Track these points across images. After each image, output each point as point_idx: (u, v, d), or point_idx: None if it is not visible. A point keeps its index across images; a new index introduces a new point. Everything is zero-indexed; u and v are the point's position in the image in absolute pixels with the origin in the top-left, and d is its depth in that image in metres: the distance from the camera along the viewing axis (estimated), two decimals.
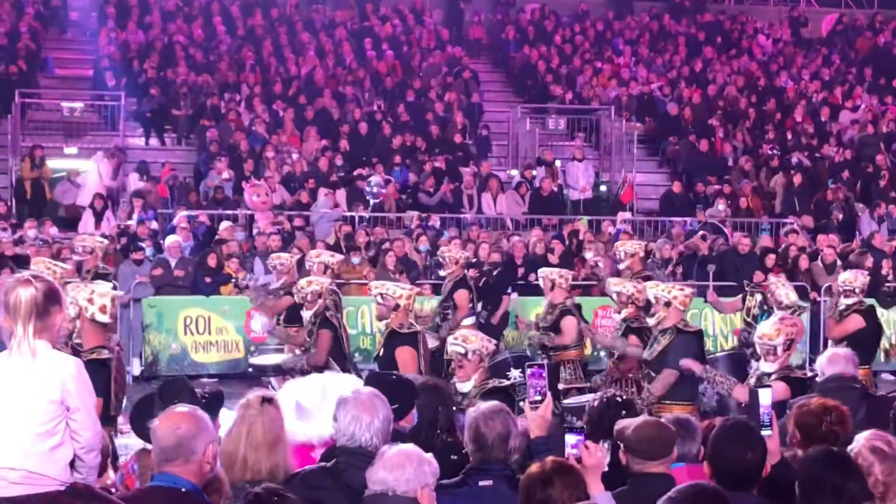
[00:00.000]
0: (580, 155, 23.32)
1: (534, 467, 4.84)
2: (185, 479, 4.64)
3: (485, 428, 5.30)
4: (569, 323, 12.03)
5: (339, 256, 12.79)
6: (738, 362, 11.91)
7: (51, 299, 4.76)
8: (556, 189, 22.44)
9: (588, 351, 14.03)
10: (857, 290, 11.49)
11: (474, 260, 15.90)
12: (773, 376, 8.31)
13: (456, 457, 5.71)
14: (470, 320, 13.62)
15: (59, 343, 4.90)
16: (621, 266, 13.71)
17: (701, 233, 18.95)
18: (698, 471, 5.90)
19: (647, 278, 12.75)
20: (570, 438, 5.26)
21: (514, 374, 10.90)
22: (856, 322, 11.33)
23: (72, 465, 4.77)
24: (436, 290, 15.94)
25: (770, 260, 17.12)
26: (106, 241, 15.17)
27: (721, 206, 21.69)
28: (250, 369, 13.78)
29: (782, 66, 28.68)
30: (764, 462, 5.26)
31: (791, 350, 8.62)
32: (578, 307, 12.52)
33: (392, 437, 5.14)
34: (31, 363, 4.67)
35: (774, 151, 24.14)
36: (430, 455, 4.84)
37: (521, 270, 17.29)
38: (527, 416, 5.54)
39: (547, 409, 5.61)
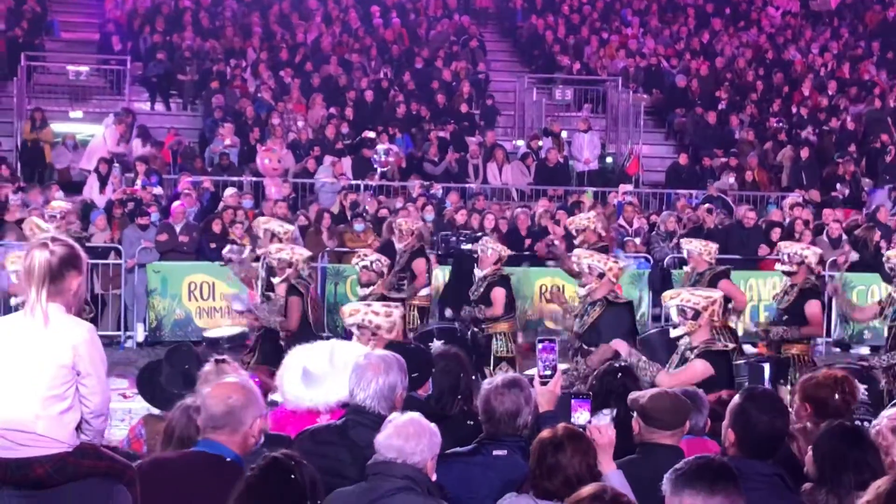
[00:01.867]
0: (584, 126, 23.25)
1: (545, 433, 4.86)
2: (230, 448, 4.67)
3: (495, 401, 5.30)
4: (498, 293, 11.98)
5: (289, 227, 12.71)
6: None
7: (67, 264, 4.74)
8: (562, 160, 22.39)
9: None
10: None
11: (480, 234, 15.84)
12: (696, 352, 8.07)
13: (472, 422, 5.73)
14: (426, 291, 13.62)
15: (76, 307, 4.89)
16: (576, 241, 13.67)
17: (707, 206, 18.91)
18: (699, 444, 5.93)
19: (604, 249, 12.70)
20: (576, 405, 5.27)
21: (437, 345, 10.89)
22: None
23: (78, 427, 4.78)
24: (440, 259, 15.98)
25: (776, 234, 17.11)
26: (70, 205, 15.18)
27: (731, 178, 21.64)
28: (203, 342, 13.84)
29: (790, 39, 28.57)
30: (788, 429, 5.27)
31: (703, 322, 8.22)
32: (507, 278, 12.39)
33: (409, 406, 5.14)
34: (43, 327, 4.66)
35: (781, 125, 24.07)
36: (434, 426, 4.86)
37: (527, 242, 17.29)
38: (536, 391, 5.53)
39: (556, 384, 5.60)
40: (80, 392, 4.73)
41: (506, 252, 12.40)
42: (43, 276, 4.69)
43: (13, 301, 9.01)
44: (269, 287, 11.69)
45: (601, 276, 9.95)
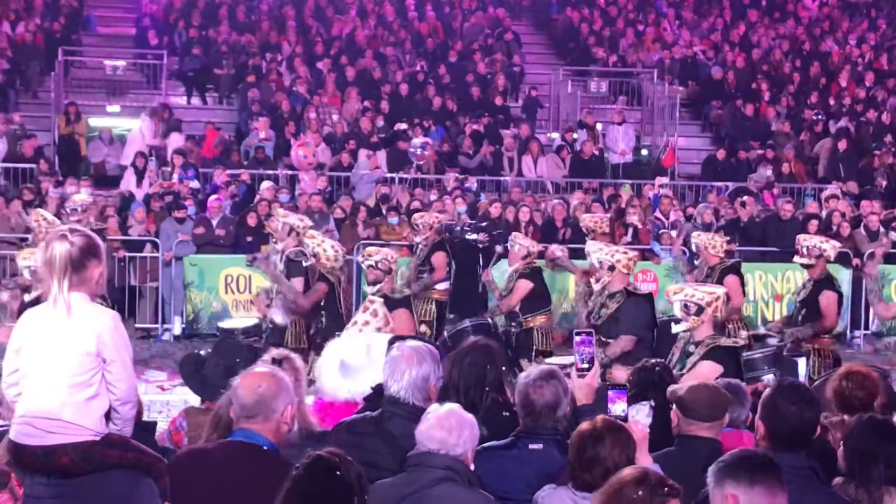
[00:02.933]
0: (619, 118, 23.19)
1: (584, 425, 4.85)
2: (264, 436, 4.70)
3: (534, 395, 5.30)
4: (522, 285, 11.87)
5: (308, 221, 12.65)
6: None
7: (87, 253, 4.79)
8: (597, 153, 22.34)
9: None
10: None
11: (485, 224, 15.79)
12: (702, 349, 8.02)
13: (507, 413, 5.74)
14: (445, 285, 13.57)
15: (97, 295, 4.94)
16: (588, 239, 13.62)
17: (741, 199, 18.78)
18: (736, 437, 5.91)
19: None
20: (613, 396, 5.26)
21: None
22: None
23: (107, 417, 4.83)
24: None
25: (812, 226, 16.99)
26: (92, 199, 15.20)
27: (769, 171, 21.51)
28: (217, 333, 13.89)
29: (827, 31, 28.37)
30: (819, 421, 5.25)
31: (707, 318, 8.17)
32: (539, 271, 12.27)
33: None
34: (66, 317, 4.72)
35: (819, 117, 23.91)
36: (472, 417, 4.86)
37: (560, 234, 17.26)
38: (573, 384, 5.52)
39: (594, 377, 5.59)
40: (106, 379, 4.78)
41: (535, 247, 12.27)
42: (64, 266, 4.74)
43: (26, 297, 9.10)
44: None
45: (612, 268, 9.90)
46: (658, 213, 18.53)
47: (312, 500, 3.96)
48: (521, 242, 12.27)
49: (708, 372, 7.69)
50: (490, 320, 11.97)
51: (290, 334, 11.25)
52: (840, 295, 11.12)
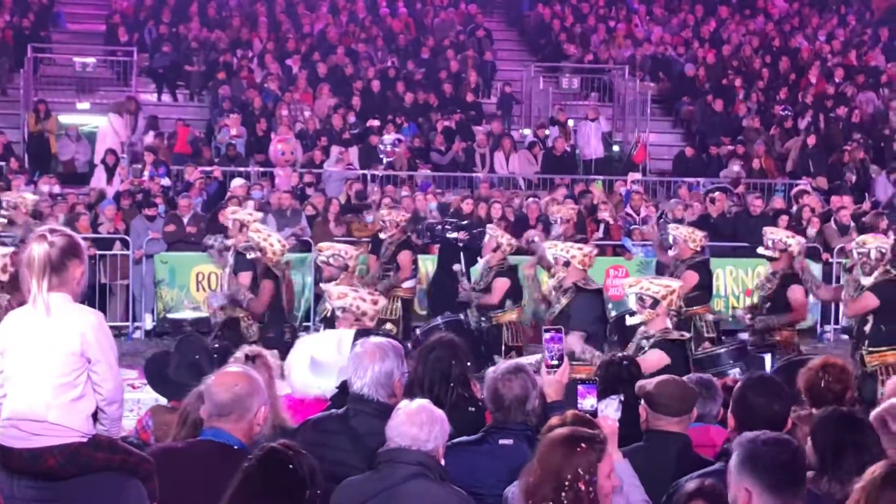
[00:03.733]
0: (594, 115, 23.23)
1: (554, 420, 4.85)
2: (236, 436, 4.69)
3: (503, 389, 5.31)
4: (499, 283, 11.85)
5: (258, 215, 12.56)
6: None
7: (68, 254, 4.75)
8: (568, 149, 22.37)
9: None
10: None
11: (465, 222, 15.78)
12: (651, 342, 8.10)
13: (473, 409, 5.74)
14: (411, 283, 13.57)
15: (79, 296, 4.91)
16: (555, 231, 13.60)
17: (710, 195, 18.84)
18: (704, 432, 5.94)
19: (583, 241, 12.66)
20: (583, 391, 5.28)
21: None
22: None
23: (95, 417, 4.79)
24: (423, 249, 15.88)
25: (783, 221, 17.06)
26: (34, 197, 15.01)
27: (737, 167, 21.59)
28: (166, 325, 13.73)
29: (797, 27, 28.50)
30: (789, 414, 5.27)
31: (661, 311, 8.25)
32: (514, 269, 12.19)
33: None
34: (46, 318, 4.68)
35: (787, 112, 24.01)
36: (442, 413, 4.86)
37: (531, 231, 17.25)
38: (543, 381, 5.53)
39: (564, 374, 5.61)
40: (91, 380, 4.74)
41: (504, 239, 12.19)
42: (43, 267, 4.70)
43: None
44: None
45: (566, 264, 9.91)
46: (629, 210, 18.57)
47: (263, 492, 3.94)
48: (490, 233, 12.28)
49: (655, 361, 7.77)
50: (462, 317, 11.95)
51: (242, 328, 11.15)
52: (808, 290, 11.15)
